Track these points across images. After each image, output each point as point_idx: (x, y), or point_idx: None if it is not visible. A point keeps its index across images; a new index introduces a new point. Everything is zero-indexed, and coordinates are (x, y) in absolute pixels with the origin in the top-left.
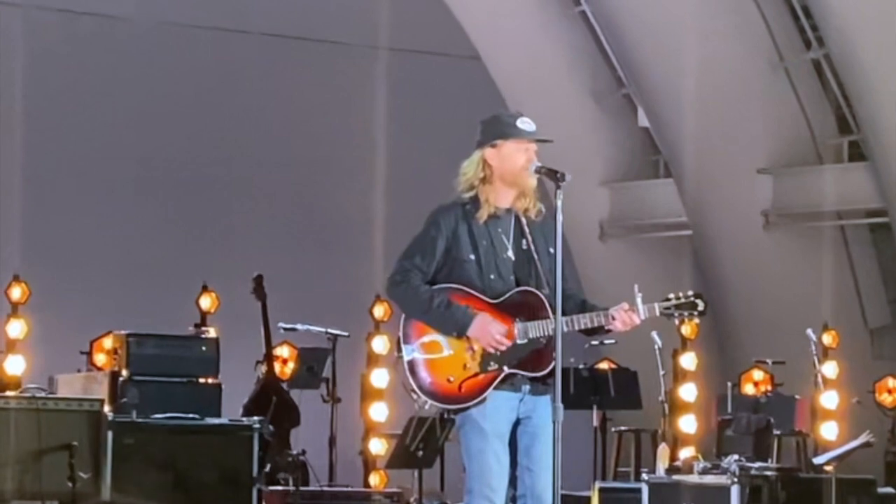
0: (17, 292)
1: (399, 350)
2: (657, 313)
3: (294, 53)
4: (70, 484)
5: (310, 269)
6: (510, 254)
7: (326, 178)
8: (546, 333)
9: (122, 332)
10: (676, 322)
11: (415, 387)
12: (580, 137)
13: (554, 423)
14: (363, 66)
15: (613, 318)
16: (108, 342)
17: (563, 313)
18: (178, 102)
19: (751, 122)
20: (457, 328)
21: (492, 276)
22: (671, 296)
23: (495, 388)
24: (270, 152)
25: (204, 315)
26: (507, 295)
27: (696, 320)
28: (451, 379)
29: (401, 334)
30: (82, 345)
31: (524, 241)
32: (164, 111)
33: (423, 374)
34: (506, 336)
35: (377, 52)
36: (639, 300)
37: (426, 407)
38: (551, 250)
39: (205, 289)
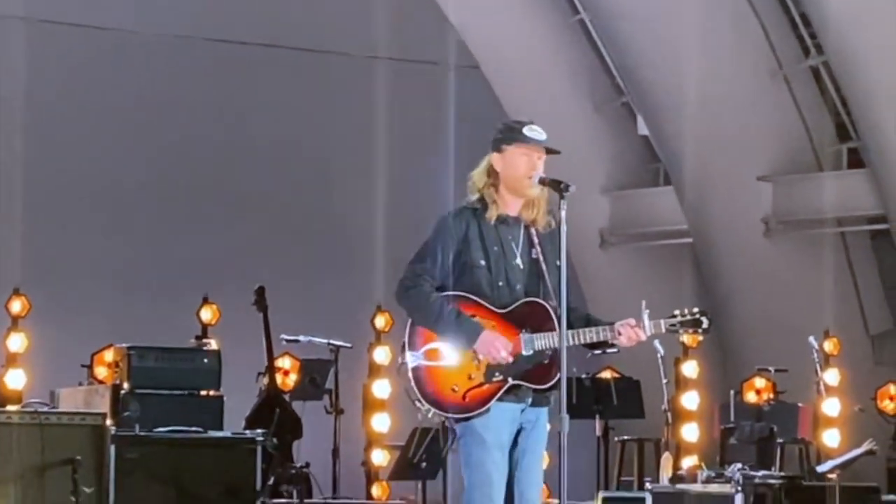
0: (17, 305)
1: (403, 356)
2: (663, 330)
3: (294, 64)
4: (73, 499)
5: (311, 281)
6: (519, 262)
7: (327, 189)
8: (551, 345)
9: (123, 345)
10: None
11: (418, 395)
12: (580, 146)
13: (559, 433)
14: (363, 77)
15: (619, 334)
16: (109, 355)
17: (569, 326)
18: (178, 115)
19: (750, 130)
20: (465, 340)
21: (500, 284)
22: (676, 312)
23: (499, 399)
24: (270, 164)
25: (205, 327)
26: (515, 305)
27: (701, 337)
28: (456, 388)
29: (406, 340)
30: (83, 358)
31: (533, 251)
32: (164, 123)
33: (428, 383)
34: (511, 351)
35: (377, 62)
36: (645, 316)
37: (430, 415)
38: (558, 263)
39: (206, 301)
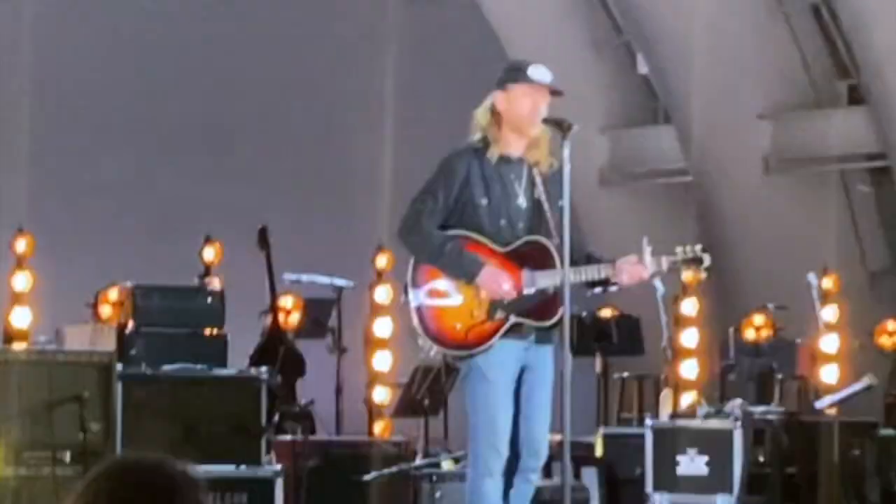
0: (21, 245)
1: (406, 295)
2: (664, 267)
3: (298, 2)
4: (81, 435)
5: (313, 220)
6: (521, 201)
7: (330, 128)
8: (553, 283)
9: (127, 284)
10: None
11: (421, 332)
12: (580, 85)
13: (562, 372)
14: (366, 14)
15: (620, 272)
16: (113, 294)
17: (571, 265)
18: (183, 53)
19: (750, 68)
20: (466, 275)
21: (502, 223)
22: (678, 250)
23: (502, 337)
24: (273, 102)
25: (208, 266)
26: (517, 244)
27: (703, 275)
28: (459, 326)
29: (409, 279)
30: (87, 297)
31: (535, 191)
32: (167, 61)
33: (431, 321)
34: (513, 288)
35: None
36: (647, 253)
37: (432, 353)
38: (560, 203)
39: (208, 240)
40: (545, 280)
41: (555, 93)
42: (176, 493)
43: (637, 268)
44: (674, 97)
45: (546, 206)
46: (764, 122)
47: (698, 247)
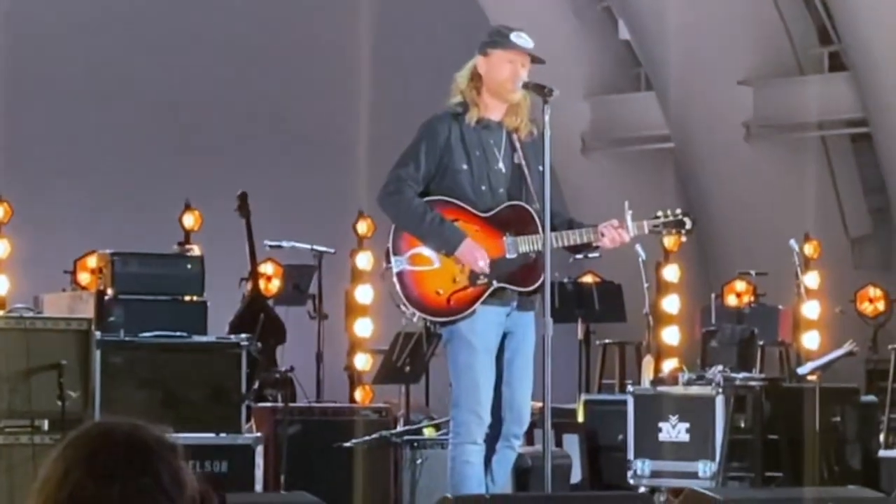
0: None
1: (388, 261)
2: (646, 231)
3: None
4: (59, 403)
5: (294, 186)
6: (501, 166)
7: (310, 93)
8: (535, 248)
9: (106, 251)
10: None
11: (403, 299)
12: (561, 51)
13: (544, 336)
14: None
15: (602, 235)
16: (92, 261)
17: (552, 229)
18: (159, 19)
19: (731, 34)
20: (447, 246)
21: (483, 188)
22: (660, 213)
23: (483, 303)
24: (252, 68)
25: (188, 233)
26: (498, 209)
27: (684, 238)
28: (440, 292)
29: (390, 246)
30: (66, 264)
31: (515, 156)
32: (144, 28)
33: (412, 287)
34: (492, 254)
35: None
36: (628, 217)
37: (414, 319)
38: (541, 168)
39: (188, 207)
40: (526, 245)
41: (536, 60)
42: (153, 456)
43: (619, 231)
44: (655, 63)
45: (526, 170)
46: (745, 88)
47: (679, 210)
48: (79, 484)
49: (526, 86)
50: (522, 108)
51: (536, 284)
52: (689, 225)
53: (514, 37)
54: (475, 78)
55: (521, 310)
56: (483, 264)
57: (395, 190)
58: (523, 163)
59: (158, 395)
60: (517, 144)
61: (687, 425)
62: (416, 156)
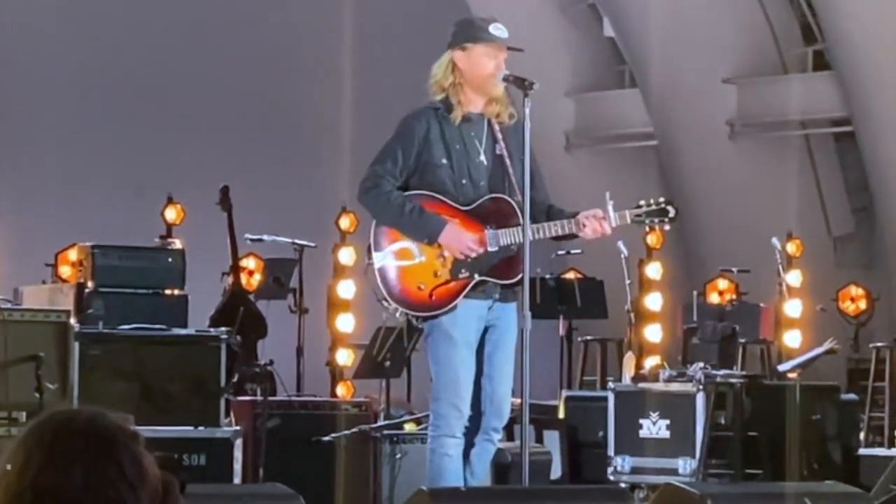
0: None
1: (369, 257)
2: (628, 221)
3: None
4: (37, 395)
5: (276, 181)
6: (483, 158)
7: (292, 88)
8: (517, 241)
9: (87, 243)
10: (647, 229)
11: (385, 294)
12: (546, 48)
13: (521, 330)
14: None
15: (584, 227)
16: (72, 254)
17: (533, 221)
18: (141, 13)
19: (716, 32)
20: (428, 235)
21: (464, 182)
22: (642, 202)
23: (466, 296)
24: (235, 61)
25: (169, 227)
26: (479, 202)
27: (667, 227)
28: (422, 286)
29: (371, 241)
30: (47, 257)
31: (497, 147)
32: (127, 18)
33: (394, 282)
34: (477, 244)
35: None
36: (610, 207)
37: (396, 314)
38: (522, 158)
39: (170, 200)
40: (508, 237)
41: (513, 49)
42: (114, 444)
43: (601, 222)
44: (639, 61)
45: (508, 162)
46: (729, 86)
47: (661, 199)
48: (40, 472)
49: (507, 79)
50: (502, 97)
51: (518, 277)
52: (672, 213)
53: (493, 29)
54: (455, 72)
55: (502, 302)
56: (472, 244)
57: (373, 185)
58: (505, 153)
59: (137, 388)
60: (499, 135)
61: (667, 422)
62: (392, 152)
